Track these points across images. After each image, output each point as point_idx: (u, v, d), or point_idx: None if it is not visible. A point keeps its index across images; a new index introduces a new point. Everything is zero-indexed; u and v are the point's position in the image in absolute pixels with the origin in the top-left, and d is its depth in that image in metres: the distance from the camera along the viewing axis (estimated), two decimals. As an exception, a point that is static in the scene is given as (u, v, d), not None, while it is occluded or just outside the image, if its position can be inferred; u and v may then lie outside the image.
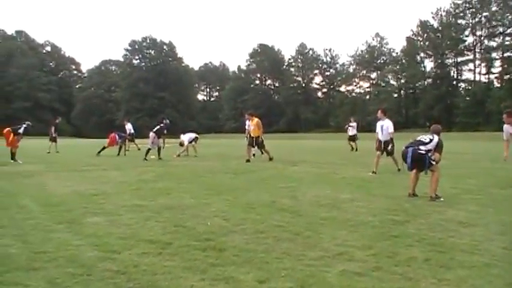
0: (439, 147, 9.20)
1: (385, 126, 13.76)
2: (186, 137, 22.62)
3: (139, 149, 25.69)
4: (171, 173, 14.17)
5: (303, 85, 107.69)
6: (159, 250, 5.32)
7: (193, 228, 6.47)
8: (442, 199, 8.82)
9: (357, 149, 26.47)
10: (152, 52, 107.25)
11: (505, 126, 11.65)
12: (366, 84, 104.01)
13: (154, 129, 20.57)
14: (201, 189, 10.42)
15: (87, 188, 10.59)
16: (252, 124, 18.97)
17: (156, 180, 12.30)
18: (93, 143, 37.25)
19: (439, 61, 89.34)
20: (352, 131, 27.67)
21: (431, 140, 9.25)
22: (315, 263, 4.83)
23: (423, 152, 9.08)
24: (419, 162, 9.12)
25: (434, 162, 9.05)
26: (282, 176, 13.35)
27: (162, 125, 20.84)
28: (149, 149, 20.15)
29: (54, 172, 14.63)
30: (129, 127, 27.23)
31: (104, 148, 23.17)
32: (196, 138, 23.16)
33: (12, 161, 18.05)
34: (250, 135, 19.06)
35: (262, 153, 19.10)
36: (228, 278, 4.37)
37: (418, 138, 9.49)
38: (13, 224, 6.76)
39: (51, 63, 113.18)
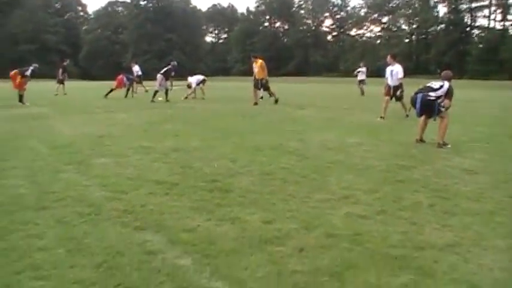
0: (449, 93, 8.99)
1: (394, 71, 13.60)
2: (193, 79, 22.47)
3: (146, 91, 25.59)
4: (178, 116, 14.17)
5: (313, 28, 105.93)
6: (166, 190, 5.39)
7: (200, 170, 6.52)
8: (449, 146, 8.76)
9: (363, 94, 26.22)
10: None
11: None
12: (377, 29, 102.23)
13: (162, 71, 20.45)
14: (209, 132, 10.44)
15: (94, 130, 10.63)
16: (256, 66, 18.78)
17: (164, 122, 12.31)
18: (100, 85, 37.11)
19: (453, 6, 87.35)
20: (361, 76, 27.34)
21: (441, 86, 9.05)
22: (320, 205, 4.87)
23: (433, 98, 8.93)
24: (429, 108, 9.00)
25: (443, 109, 8.91)
26: (289, 119, 13.32)
27: (169, 67, 20.73)
28: (156, 91, 20.10)
29: (62, 114, 14.67)
30: (136, 69, 27.04)
31: (111, 90, 23.09)
32: (204, 80, 22.99)
33: (20, 103, 18.06)
34: (255, 77, 18.92)
35: (270, 95, 19.02)
36: (234, 218, 4.42)
37: (428, 85, 9.32)
38: (22, 165, 6.84)
39: (56, 4, 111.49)
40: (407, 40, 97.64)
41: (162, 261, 3.47)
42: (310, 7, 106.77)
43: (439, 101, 8.93)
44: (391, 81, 13.70)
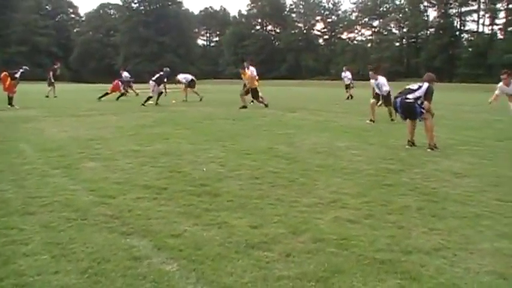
0: (428, 94, 8.90)
1: (380, 85, 13.68)
2: (181, 76, 22.89)
3: (137, 95, 25.57)
4: (168, 119, 14.14)
5: (304, 31, 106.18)
6: (154, 195, 5.37)
7: (189, 174, 6.51)
8: (438, 149, 8.75)
9: (351, 97, 26.18)
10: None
11: (501, 85, 11.62)
12: (367, 32, 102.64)
13: (154, 78, 20.45)
14: (199, 135, 10.43)
15: (84, 133, 10.60)
16: (245, 78, 18.82)
17: (154, 125, 12.29)
18: (91, 88, 37.06)
19: (443, 11, 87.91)
20: (347, 81, 27.31)
21: (420, 87, 9.00)
22: (308, 209, 4.87)
23: (411, 100, 8.87)
24: (409, 111, 8.98)
25: (424, 111, 8.85)
26: (280, 122, 13.34)
27: (162, 73, 20.75)
28: (150, 97, 20.08)
29: (52, 117, 14.59)
30: (126, 75, 27.14)
31: (106, 94, 23.14)
32: (193, 80, 23.21)
33: (9, 106, 17.92)
34: (244, 85, 18.93)
35: (259, 103, 19.02)
36: (221, 223, 4.41)
37: (407, 87, 9.29)
38: (10, 169, 6.80)
39: (47, 7, 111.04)
40: (397, 44, 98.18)
41: (148, 267, 3.45)
42: (302, 11, 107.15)
43: (419, 102, 8.86)
44: (379, 91, 13.78)
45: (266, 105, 18.56)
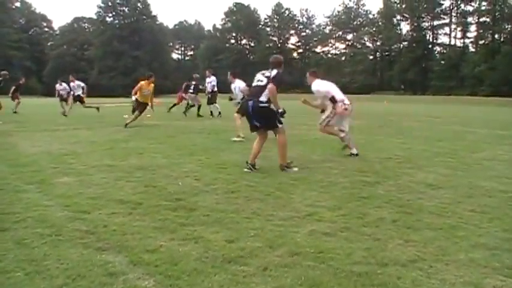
0: (276, 81, 7.32)
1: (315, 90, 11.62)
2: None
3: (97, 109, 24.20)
4: (143, 133, 14.06)
5: (279, 45, 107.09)
6: (129, 210, 5.31)
7: (164, 188, 6.46)
8: (295, 169, 7.72)
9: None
10: (126, 9, 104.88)
11: None
12: (341, 46, 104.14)
13: (191, 91, 22.23)
14: (173, 149, 10.39)
15: (57, 148, 10.47)
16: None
17: (128, 140, 12.19)
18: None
19: (415, 24, 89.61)
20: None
21: (268, 78, 7.38)
22: (284, 223, 4.86)
23: (265, 104, 7.34)
24: (264, 118, 7.53)
25: (279, 123, 7.58)
26: (255, 136, 13.28)
27: (194, 82, 22.50)
28: (192, 105, 22.26)
29: (25, 132, 14.40)
30: (78, 83, 23.95)
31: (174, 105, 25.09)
32: None
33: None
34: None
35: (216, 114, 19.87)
36: (197, 237, 4.38)
37: (255, 84, 7.62)
38: (-19, 185, 6.67)
39: (21, 20, 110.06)
40: (371, 57, 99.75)
41: (124, 283, 3.40)
42: (276, 25, 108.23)
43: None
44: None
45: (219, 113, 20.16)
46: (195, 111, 21.95)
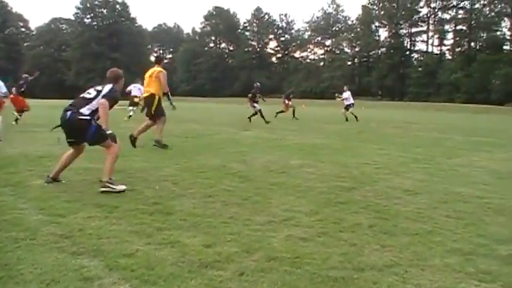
0: (109, 96, 6.71)
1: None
2: (135, 87, 24.75)
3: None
4: (121, 136, 13.89)
5: (258, 50, 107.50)
6: (105, 214, 5.25)
7: (142, 192, 6.41)
8: (123, 187, 6.54)
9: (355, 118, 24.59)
10: (104, 11, 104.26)
11: None
12: (320, 51, 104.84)
13: (250, 95, 22.91)
14: (152, 153, 10.33)
15: (34, 150, 10.32)
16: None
17: (106, 143, 12.05)
18: (41, 103, 36.30)
19: (394, 31, 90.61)
20: (348, 100, 26.36)
21: (99, 93, 6.74)
22: (261, 228, 4.85)
23: (86, 117, 6.64)
24: (79, 130, 6.84)
25: (107, 134, 6.90)
26: (233, 140, 13.33)
27: (253, 90, 23.04)
28: (261, 112, 22.14)
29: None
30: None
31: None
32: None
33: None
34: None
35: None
36: (174, 242, 4.35)
37: (82, 95, 6.91)
38: (-47, 186, 6.56)
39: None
40: (349, 63, 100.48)
41: (99, 287, 3.37)
42: (256, 29, 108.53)
43: (96, 118, 6.80)
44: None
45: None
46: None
